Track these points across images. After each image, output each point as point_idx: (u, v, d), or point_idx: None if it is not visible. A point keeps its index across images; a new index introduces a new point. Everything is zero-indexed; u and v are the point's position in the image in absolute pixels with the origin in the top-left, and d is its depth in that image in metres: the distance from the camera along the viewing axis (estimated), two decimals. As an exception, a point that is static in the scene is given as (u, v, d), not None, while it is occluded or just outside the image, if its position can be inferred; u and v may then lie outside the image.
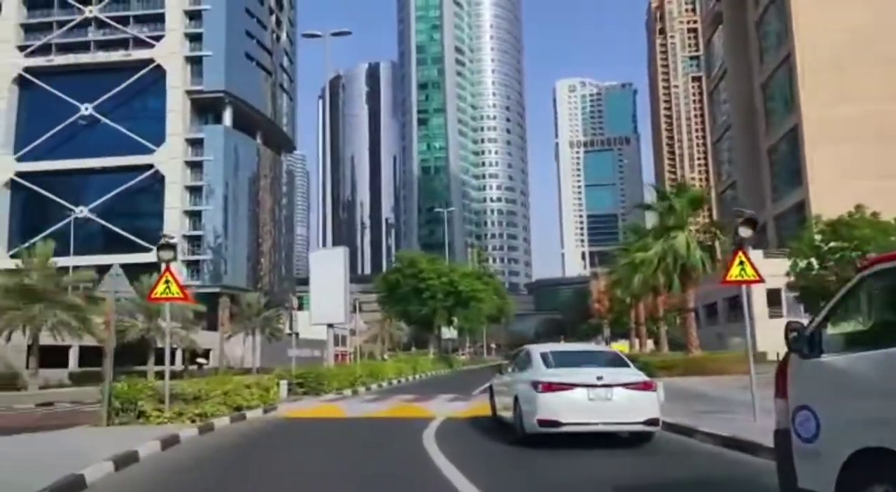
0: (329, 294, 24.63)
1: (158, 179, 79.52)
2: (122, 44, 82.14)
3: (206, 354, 59.53)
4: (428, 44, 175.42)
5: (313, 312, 25.37)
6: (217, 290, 72.94)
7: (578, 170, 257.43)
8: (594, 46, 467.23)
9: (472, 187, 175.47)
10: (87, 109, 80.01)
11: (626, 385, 9.67)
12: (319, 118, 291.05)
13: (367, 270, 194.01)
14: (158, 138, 79.79)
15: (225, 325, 53.89)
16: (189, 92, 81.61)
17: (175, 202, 79.38)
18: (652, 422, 9.69)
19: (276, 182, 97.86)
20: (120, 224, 78.41)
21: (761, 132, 61.07)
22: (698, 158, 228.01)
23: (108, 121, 79.85)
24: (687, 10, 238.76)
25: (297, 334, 28.51)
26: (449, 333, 51.96)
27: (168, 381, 12.75)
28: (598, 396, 9.48)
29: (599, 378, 9.57)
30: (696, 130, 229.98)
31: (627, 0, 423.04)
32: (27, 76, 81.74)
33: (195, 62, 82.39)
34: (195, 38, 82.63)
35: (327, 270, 25.32)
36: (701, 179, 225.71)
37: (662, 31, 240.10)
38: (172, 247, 13.07)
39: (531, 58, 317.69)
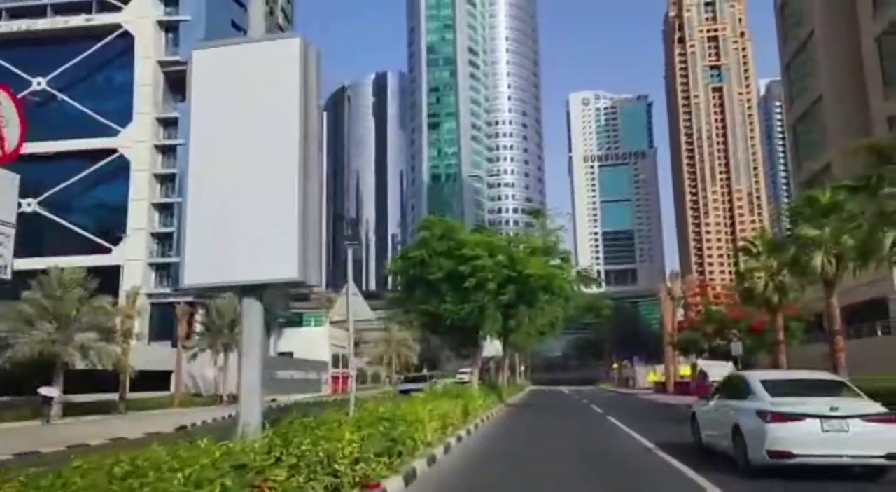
0: (250, 184, 7.18)
1: (123, 166, 66.36)
2: (84, 7, 69.23)
3: (166, 376, 46.30)
4: (439, 44, 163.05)
5: (189, 249, 7.28)
6: (190, 299, 59.65)
7: (593, 185, 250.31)
8: (609, 58, 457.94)
9: (485, 197, 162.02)
10: (39, 84, 67.05)
11: (863, 417, 9.01)
12: (324, 131, 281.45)
13: (373, 287, 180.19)
14: (124, 119, 66.82)
15: (183, 338, 40.25)
16: (162, 63, 68.46)
17: (142, 194, 66.11)
18: (894, 456, 8.78)
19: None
20: (76, 220, 65.33)
21: (876, 97, 48.36)
22: (721, 172, 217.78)
23: (65, 97, 66.92)
24: (707, 19, 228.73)
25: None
26: (491, 348, 34.74)
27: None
28: (833, 427, 8.90)
29: (834, 409, 9.02)
30: (718, 143, 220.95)
31: (644, 9, 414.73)
32: (-29, 45, 69.03)
33: (170, 29, 69.39)
34: (170, 2, 69.88)
35: (248, 116, 7.54)
36: (723, 193, 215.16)
37: (682, 41, 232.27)
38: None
39: (545, 69, 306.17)
